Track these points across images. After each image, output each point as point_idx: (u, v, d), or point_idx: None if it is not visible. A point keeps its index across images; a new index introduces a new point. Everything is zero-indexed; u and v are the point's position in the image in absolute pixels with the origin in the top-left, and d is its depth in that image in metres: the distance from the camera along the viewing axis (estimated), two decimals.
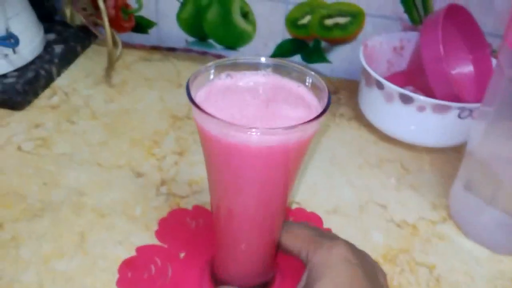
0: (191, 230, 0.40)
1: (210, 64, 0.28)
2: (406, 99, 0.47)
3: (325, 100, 0.25)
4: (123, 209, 0.42)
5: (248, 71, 0.28)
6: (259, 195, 0.27)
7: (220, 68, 0.28)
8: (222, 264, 0.34)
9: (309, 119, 0.24)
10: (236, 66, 0.28)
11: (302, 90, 0.27)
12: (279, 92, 0.27)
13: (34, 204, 0.42)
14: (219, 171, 0.27)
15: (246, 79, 0.28)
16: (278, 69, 0.28)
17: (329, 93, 0.26)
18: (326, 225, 0.42)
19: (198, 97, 0.26)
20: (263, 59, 0.29)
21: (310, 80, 0.28)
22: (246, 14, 0.61)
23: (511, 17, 0.35)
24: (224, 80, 0.28)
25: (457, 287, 0.38)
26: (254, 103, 0.26)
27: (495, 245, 0.41)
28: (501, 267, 0.40)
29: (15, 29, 0.54)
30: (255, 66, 0.29)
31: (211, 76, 0.28)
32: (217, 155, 0.26)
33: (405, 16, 0.57)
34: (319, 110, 0.25)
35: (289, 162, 0.26)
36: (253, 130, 0.23)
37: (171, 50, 0.66)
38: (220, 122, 0.23)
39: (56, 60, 0.58)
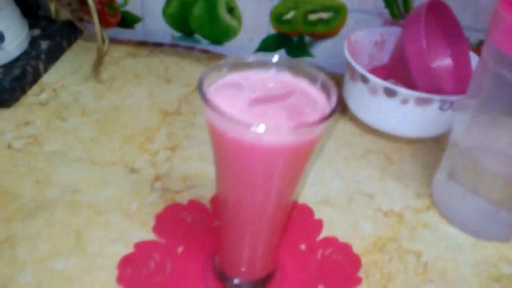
0: (187, 224, 0.39)
1: (221, 62, 0.26)
2: (390, 93, 0.46)
3: (334, 100, 0.24)
4: (118, 205, 0.40)
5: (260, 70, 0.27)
6: (267, 190, 0.26)
7: (233, 67, 0.26)
8: (227, 258, 0.33)
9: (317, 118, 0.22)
10: (250, 65, 0.27)
11: (313, 91, 0.26)
12: (292, 93, 0.26)
13: (27, 203, 0.39)
14: (227, 165, 0.26)
15: (256, 77, 0.27)
16: (290, 68, 0.27)
17: (338, 95, 0.24)
18: (316, 215, 0.41)
19: (208, 92, 0.25)
20: (275, 59, 0.27)
21: (321, 81, 0.26)
22: (231, 10, 0.59)
23: (494, 14, 0.35)
24: (237, 76, 0.27)
25: (444, 273, 0.38)
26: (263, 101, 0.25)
27: (478, 231, 0.41)
28: (485, 253, 0.40)
29: (0, 25, 0.51)
30: (267, 65, 0.27)
31: (224, 73, 0.26)
32: (226, 150, 0.24)
33: (386, 11, 0.57)
34: (327, 110, 0.24)
35: (298, 159, 0.25)
36: (262, 127, 0.22)
37: (158, 45, 0.63)
38: (231, 119, 0.22)
39: (42, 56, 0.55)
